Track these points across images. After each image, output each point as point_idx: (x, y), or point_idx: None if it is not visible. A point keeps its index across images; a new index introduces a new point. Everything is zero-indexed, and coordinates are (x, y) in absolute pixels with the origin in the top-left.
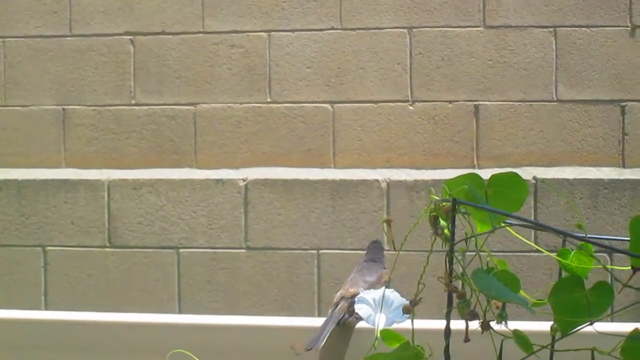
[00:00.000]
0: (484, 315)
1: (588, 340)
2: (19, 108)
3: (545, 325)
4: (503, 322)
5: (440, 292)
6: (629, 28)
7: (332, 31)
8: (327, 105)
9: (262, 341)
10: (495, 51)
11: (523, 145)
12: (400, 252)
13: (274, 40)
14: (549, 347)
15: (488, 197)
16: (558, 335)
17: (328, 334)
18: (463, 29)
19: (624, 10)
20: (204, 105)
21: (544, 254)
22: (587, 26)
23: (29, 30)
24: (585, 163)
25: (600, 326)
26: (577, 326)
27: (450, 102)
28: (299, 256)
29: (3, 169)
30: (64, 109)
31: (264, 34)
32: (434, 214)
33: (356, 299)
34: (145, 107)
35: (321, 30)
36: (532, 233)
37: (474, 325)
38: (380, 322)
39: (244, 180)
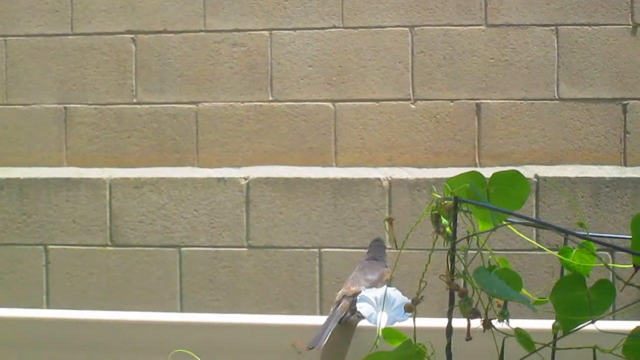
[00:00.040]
0: (486, 314)
1: (590, 339)
2: (20, 107)
3: (547, 324)
4: (505, 321)
5: (442, 290)
6: (631, 26)
7: (333, 30)
8: (329, 104)
9: (263, 340)
10: (497, 49)
11: (525, 143)
12: (402, 251)
13: (275, 39)
14: (551, 345)
15: (490, 195)
16: (560, 333)
17: (330, 333)
18: (465, 28)
19: (626, 8)
20: (205, 104)
21: (546, 252)
22: (589, 24)
23: (30, 29)
24: (587, 161)
25: (602, 324)
26: (579, 324)
27: (452, 100)
28: (301, 255)
29: (5, 168)
30: (65, 108)
31: (266, 33)
32: (436, 212)
33: (358, 298)
34: (147, 106)
35: (323, 28)
36: (534, 231)
37: (476, 323)
38: (382, 320)
39: (245, 178)
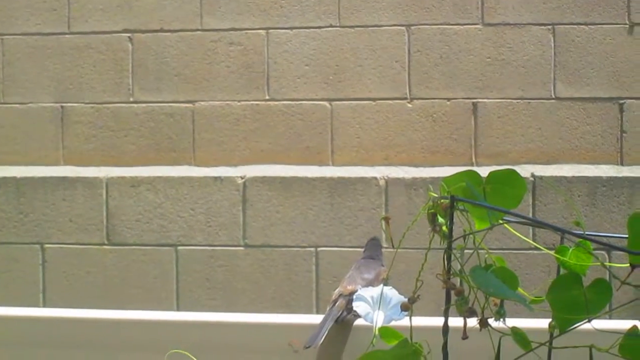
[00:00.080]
0: (482, 313)
1: (586, 338)
2: (17, 105)
3: (543, 323)
4: (501, 319)
5: (438, 289)
6: (627, 26)
7: (330, 29)
8: (326, 103)
9: (260, 338)
10: (494, 49)
11: (521, 142)
12: (399, 250)
13: (272, 38)
14: (547, 344)
15: (486, 194)
16: (556, 332)
17: (326, 332)
18: (461, 27)
19: (622, 7)
20: (202, 103)
21: (542, 252)
22: (586, 24)
23: (27, 28)
24: (584, 161)
25: (599, 323)
26: (575, 323)
27: (448, 99)
28: (297, 254)
29: (1, 167)
30: (62, 107)
31: (263, 32)
32: (432, 211)
33: (354, 297)
34: (144, 105)
35: (319, 27)
36: (531, 230)
37: (472, 322)
38: (379, 319)
39: (242, 177)
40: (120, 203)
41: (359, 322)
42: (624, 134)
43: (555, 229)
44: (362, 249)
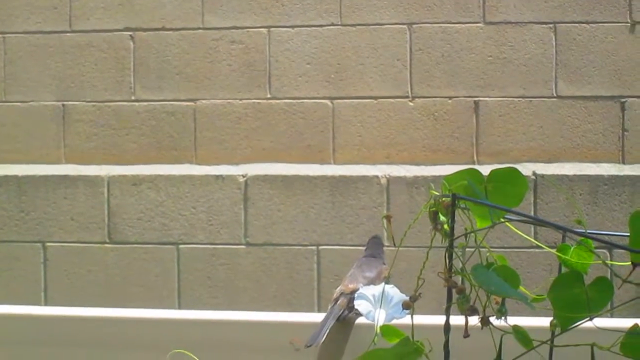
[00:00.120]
0: (484, 311)
1: (587, 336)
2: (18, 104)
3: (544, 321)
4: (502, 318)
5: (439, 287)
6: (629, 24)
7: (332, 27)
8: (327, 101)
9: (261, 337)
10: (495, 47)
11: (523, 141)
12: (400, 248)
13: (273, 36)
14: (549, 342)
15: (487, 192)
16: (557, 330)
17: (328, 330)
18: (463, 25)
19: (624, 6)
20: (203, 101)
21: (544, 250)
22: (587, 22)
23: (29, 26)
24: (585, 159)
25: (600, 322)
26: (576, 322)
27: (450, 98)
28: (299, 252)
29: (3, 165)
30: (63, 105)
31: (264, 30)
32: (434, 209)
33: (356, 295)
34: (145, 103)
35: (321, 26)
36: (532, 229)
37: (474, 320)
38: (380, 317)
39: (243, 176)
40: (122, 201)
41: (360, 320)
42: (625, 133)
43: (557, 227)
44: (364, 248)
